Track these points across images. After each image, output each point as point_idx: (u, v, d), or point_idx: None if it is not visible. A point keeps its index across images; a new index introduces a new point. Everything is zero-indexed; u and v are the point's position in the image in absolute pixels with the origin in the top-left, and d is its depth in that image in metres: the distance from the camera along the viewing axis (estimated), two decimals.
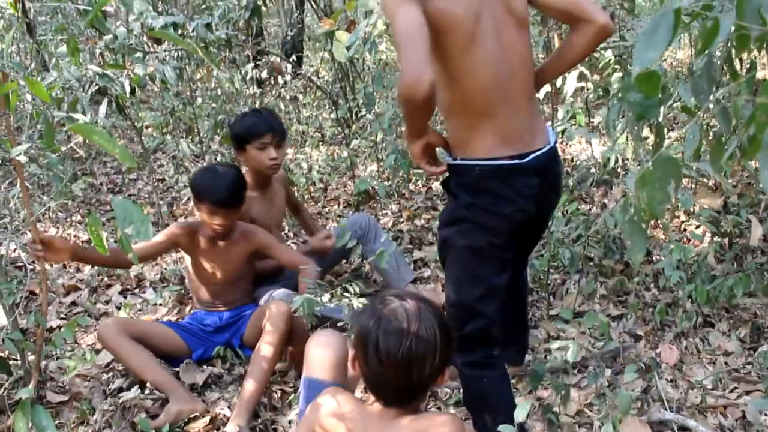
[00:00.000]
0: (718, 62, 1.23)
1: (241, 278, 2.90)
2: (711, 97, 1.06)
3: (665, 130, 4.35)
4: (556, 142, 1.94)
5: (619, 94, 0.88)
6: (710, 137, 3.60)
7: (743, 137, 0.72)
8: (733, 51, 0.98)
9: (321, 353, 1.89)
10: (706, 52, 0.93)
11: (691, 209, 3.45)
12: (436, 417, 1.60)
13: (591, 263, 3.26)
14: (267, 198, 3.04)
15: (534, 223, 1.96)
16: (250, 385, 2.37)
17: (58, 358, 2.84)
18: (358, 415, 1.59)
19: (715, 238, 3.15)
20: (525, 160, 1.78)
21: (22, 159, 1.78)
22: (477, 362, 1.93)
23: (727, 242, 3.14)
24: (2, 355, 2.45)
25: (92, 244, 1.48)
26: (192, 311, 3.04)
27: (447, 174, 1.91)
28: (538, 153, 1.83)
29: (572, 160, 4.73)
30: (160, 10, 5.15)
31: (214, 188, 2.62)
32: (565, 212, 3.55)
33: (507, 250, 1.89)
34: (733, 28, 0.97)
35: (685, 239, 3.37)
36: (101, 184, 5.37)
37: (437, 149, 1.89)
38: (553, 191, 1.96)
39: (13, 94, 1.24)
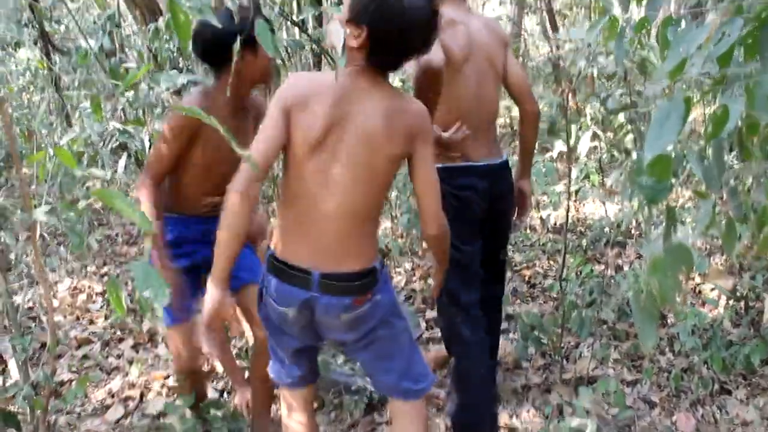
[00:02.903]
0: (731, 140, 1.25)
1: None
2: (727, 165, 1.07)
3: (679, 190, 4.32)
4: (507, 160, 2.54)
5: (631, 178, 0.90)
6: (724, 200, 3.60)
7: (755, 229, 0.73)
8: (744, 134, 0.99)
9: None
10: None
11: (706, 272, 3.42)
12: (412, 103, 1.75)
13: (604, 326, 3.23)
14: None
15: (489, 223, 2.50)
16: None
17: (68, 413, 2.83)
18: (330, 82, 1.69)
19: (731, 302, 3.12)
20: (478, 163, 2.40)
21: (42, 218, 1.81)
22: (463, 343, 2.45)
23: (743, 306, 3.11)
24: (12, 410, 2.45)
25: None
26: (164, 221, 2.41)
27: None
28: (490, 162, 2.44)
29: (586, 220, 4.74)
30: (181, 66, 5.27)
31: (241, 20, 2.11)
32: (578, 273, 3.54)
33: (474, 243, 2.45)
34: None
35: (700, 302, 3.34)
36: (117, 234, 5.43)
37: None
38: (499, 199, 2.50)
39: (41, 166, 1.28)
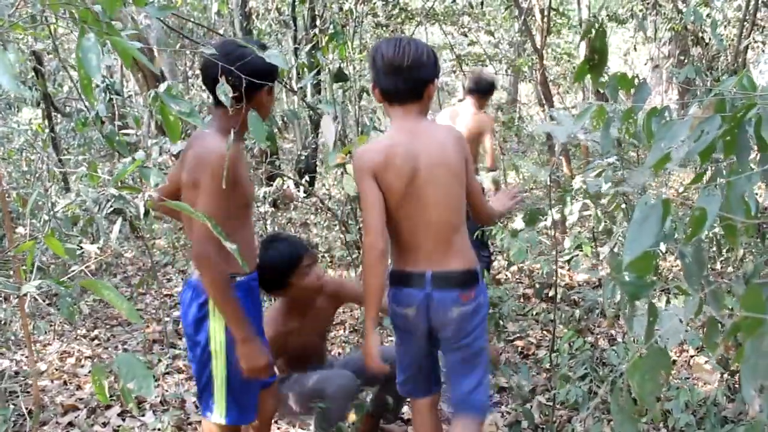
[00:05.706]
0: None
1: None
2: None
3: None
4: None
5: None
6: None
7: (731, 338, 0.74)
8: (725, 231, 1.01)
9: None
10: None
11: (700, 345, 3.41)
12: (452, 130, 2.23)
13: (597, 400, 3.19)
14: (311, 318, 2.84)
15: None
16: None
17: None
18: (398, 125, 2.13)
19: (725, 377, 3.09)
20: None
21: (32, 290, 1.81)
22: None
23: (738, 381, 3.08)
24: None
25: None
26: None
27: None
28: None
29: (579, 286, 4.73)
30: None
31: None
32: (571, 344, 3.52)
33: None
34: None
35: (693, 377, 3.31)
36: None
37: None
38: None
39: (30, 253, 1.29)
